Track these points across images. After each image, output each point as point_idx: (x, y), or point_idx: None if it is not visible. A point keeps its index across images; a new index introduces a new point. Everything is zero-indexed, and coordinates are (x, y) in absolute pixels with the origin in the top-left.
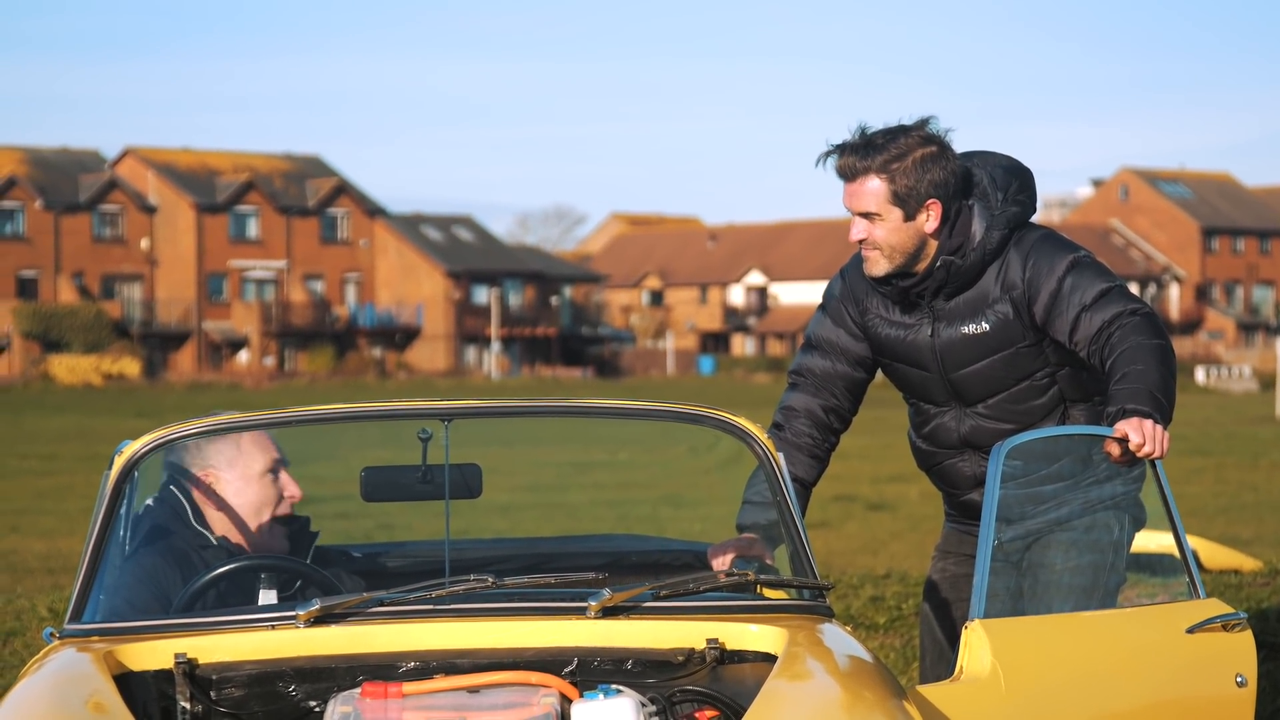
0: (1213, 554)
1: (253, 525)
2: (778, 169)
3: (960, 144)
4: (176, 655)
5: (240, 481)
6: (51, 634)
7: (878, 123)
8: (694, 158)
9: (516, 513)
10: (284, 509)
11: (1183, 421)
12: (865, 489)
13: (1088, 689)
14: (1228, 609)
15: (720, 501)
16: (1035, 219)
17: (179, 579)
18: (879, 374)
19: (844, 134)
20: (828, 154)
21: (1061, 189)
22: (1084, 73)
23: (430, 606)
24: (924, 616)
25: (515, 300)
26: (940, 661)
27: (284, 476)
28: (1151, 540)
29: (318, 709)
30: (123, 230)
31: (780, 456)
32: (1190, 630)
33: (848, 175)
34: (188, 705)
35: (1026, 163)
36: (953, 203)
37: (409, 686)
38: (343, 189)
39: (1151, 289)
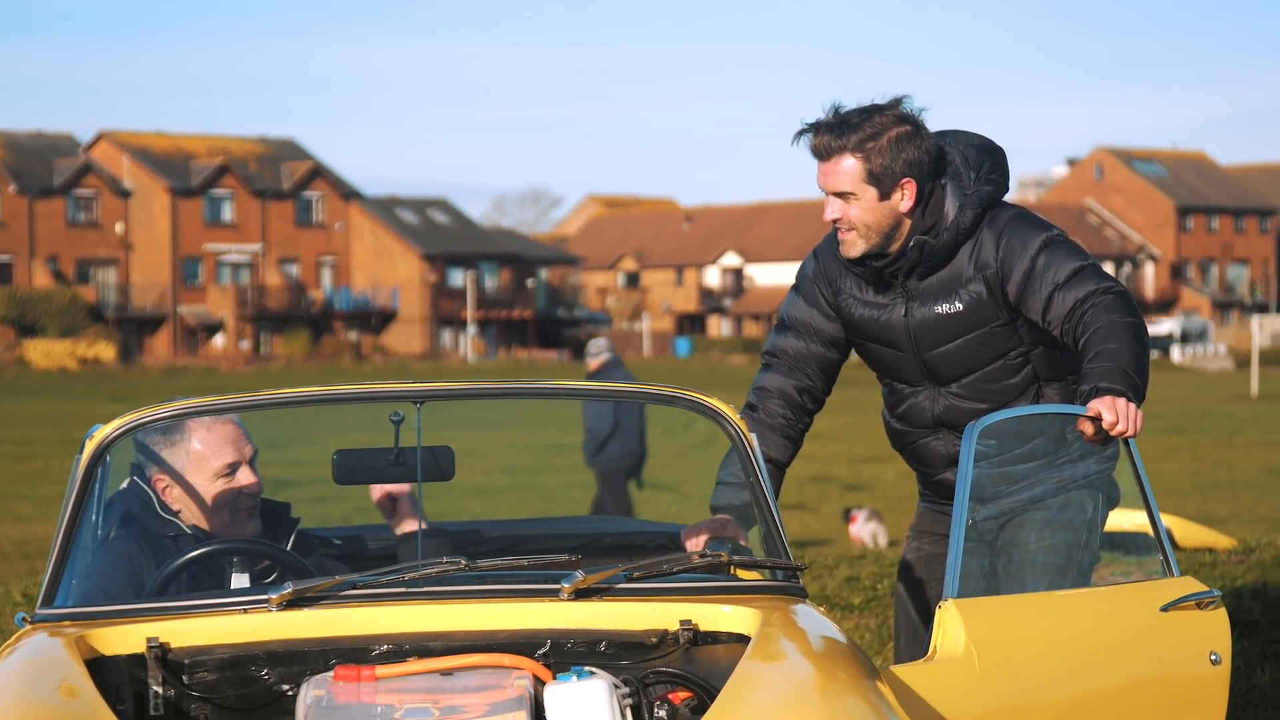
0: (1187, 532)
1: (215, 521)
2: (753, 150)
3: (934, 123)
4: (149, 639)
5: (193, 485)
6: (24, 619)
7: (853, 102)
8: (669, 139)
9: (491, 495)
10: (242, 503)
11: (1157, 400)
12: (841, 469)
13: (1062, 668)
14: (1202, 587)
15: (694, 482)
16: (1010, 198)
17: (152, 564)
18: (853, 354)
19: (819, 114)
20: (802, 133)
21: (1036, 168)
22: (1059, 51)
23: (403, 589)
24: (898, 596)
25: (491, 283)
26: (915, 641)
27: (241, 473)
28: (1125, 519)
29: (290, 692)
30: (97, 214)
31: (753, 437)
32: (1164, 609)
33: (822, 154)
34: (160, 689)
35: (1000, 142)
36: (927, 182)
37: (382, 669)
38: (318, 172)
39: (1127, 268)
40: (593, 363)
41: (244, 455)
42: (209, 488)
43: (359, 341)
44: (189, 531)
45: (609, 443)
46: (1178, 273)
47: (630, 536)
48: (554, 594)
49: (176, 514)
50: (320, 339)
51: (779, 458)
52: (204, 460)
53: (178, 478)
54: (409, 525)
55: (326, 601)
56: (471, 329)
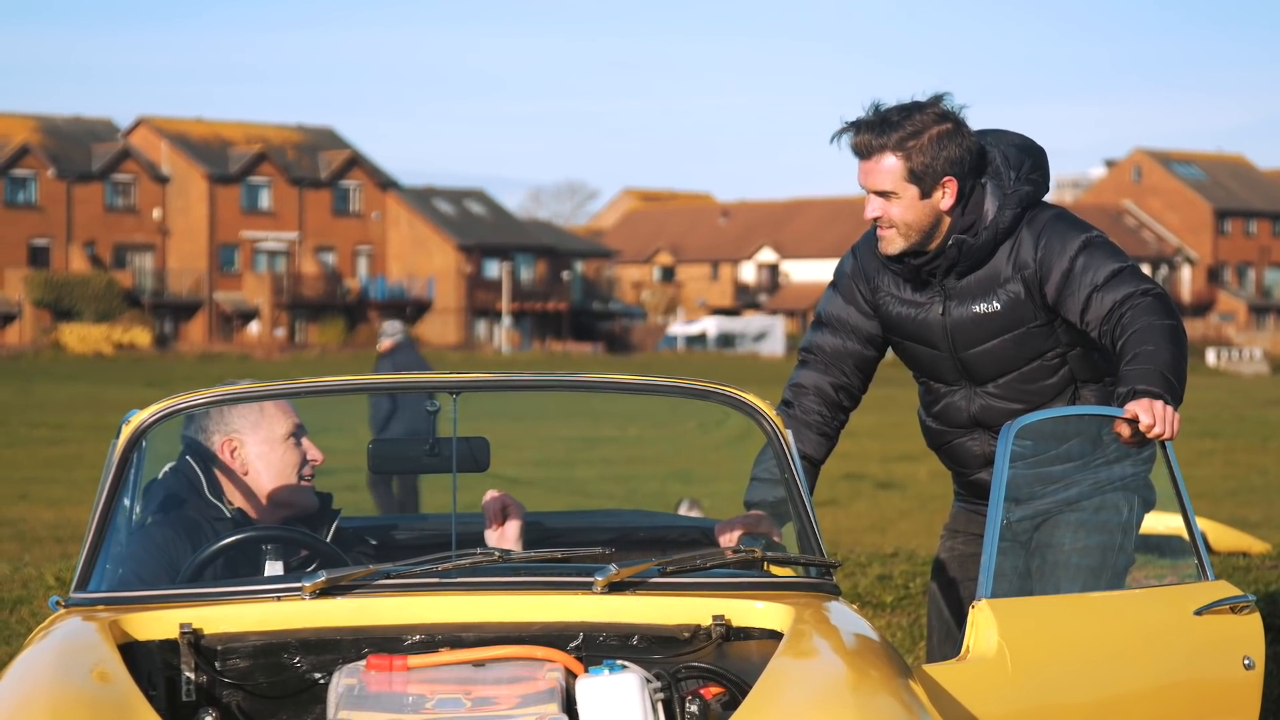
0: (1221, 536)
1: (277, 489)
2: (790, 146)
3: (973, 123)
4: (181, 625)
5: (264, 445)
6: (57, 602)
7: (891, 100)
8: (707, 134)
9: (524, 487)
10: (307, 472)
11: (1193, 403)
12: (874, 467)
13: (1094, 670)
14: (1236, 591)
15: (729, 478)
16: (1048, 199)
17: (188, 550)
18: (889, 352)
19: (858, 111)
20: (842, 131)
21: (1074, 169)
22: (1098, 52)
23: (436, 580)
24: (931, 595)
25: (526, 275)
26: (947, 641)
27: (305, 441)
28: (1160, 522)
29: (322, 681)
30: (135, 200)
31: (789, 434)
32: (1198, 612)
33: (863, 153)
34: (192, 675)
35: (1039, 142)
36: (967, 180)
37: (414, 659)
38: (355, 161)
39: (1163, 270)
40: (385, 343)
41: (303, 428)
42: (279, 449)
43: None
44: (230, 516)
45: (387, 427)
46: (1214, 276)
47: (664, 530)
48: (587, 587)
49: (224, 495)
50: (355, 328)
51: (814, 454)
52: (276, 419)
53: (249, 434)
54: (502, 537)
55: (360, 591)
56: (506, 320)
